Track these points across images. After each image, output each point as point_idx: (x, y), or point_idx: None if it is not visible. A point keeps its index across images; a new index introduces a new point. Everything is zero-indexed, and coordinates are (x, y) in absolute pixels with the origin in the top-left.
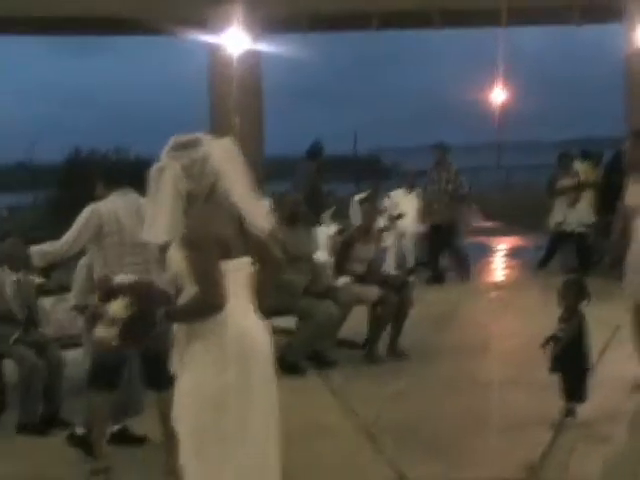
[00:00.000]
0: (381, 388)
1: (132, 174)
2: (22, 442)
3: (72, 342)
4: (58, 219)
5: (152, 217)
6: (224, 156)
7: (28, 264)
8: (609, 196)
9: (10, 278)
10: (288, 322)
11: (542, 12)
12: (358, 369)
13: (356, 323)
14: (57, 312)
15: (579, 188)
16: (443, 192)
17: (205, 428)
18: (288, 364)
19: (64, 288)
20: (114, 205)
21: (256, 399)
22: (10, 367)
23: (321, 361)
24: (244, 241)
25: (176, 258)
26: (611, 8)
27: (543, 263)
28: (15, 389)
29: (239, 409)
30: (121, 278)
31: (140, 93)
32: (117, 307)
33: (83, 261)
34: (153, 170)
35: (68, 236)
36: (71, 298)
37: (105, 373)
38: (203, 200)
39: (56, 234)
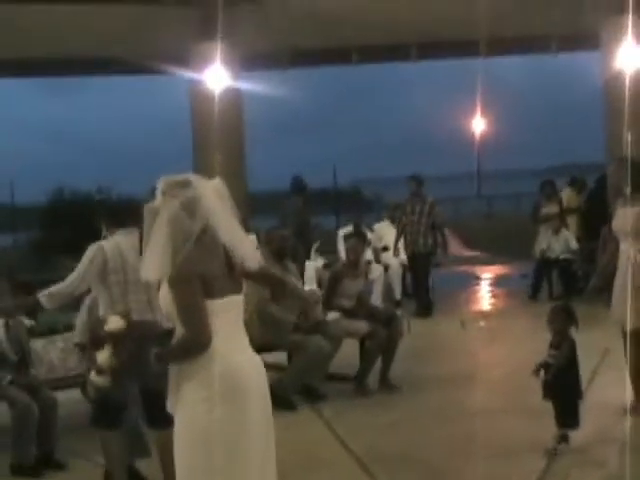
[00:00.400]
0: (373, 419)
1: (136, 213)
2: None
3: (63, 384)
4: (41, 260)
5: (147, 255)
6: (214, 196)
7: (14, 307)
8: (592, 222)
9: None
10: (277, 357)
11: (520, 42)
12: (349, 402)
13: (346, 357)
14: (48, 353)
15: (562, 215)
16: (417, 223)
17: (196, 466)
18: (279, 399)
19: (53, 330)
20: (118, 243)
21: (252, 435)
22: (2, 409)
23: (312, 395)
24: (233, 280)
25: (165, 297)
26: (588, 36)
27: (534, 292)
28: (7, 431)
29: (231, 446)
30: (113, 321)
31: (121, 131)
32: (103, 357)
33: (87, 301)
34: (148, 208)
35: (74, 275)
36: (74, 336)
37: (107, 412)
38: (194, 240)
39: (40, 275)
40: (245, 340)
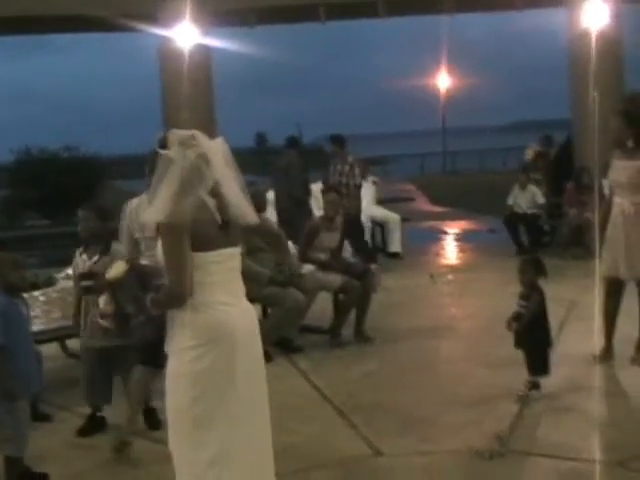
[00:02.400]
0: (348, 370)
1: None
2: None
3: (45, 337)
4: (8, 217)
5: (155, 200)
6: (219, 154)
7: None
8: (558, 178)
9: None
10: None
11: None
12: (324, 354)
13: (319, 309)
14: (32, 307)
15: (526, 171)
16: (339, 184)
17: (182, 411)
18: None
19: (34, 285)
20: (141, 199)
21: (238, 384)
22: None
23: (287, 347)
24: (228, 234)
25: (159, 246)
26: None
27: (521, 247)
28: None
29: (215, 395)
30: (114, 267)
31: (88, 90)
32: (103, 303)
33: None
34: (163, 156)
35: (122, 238)
36: None
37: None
38: (207, 191)
39: (7, 232)
40: (239, 291)
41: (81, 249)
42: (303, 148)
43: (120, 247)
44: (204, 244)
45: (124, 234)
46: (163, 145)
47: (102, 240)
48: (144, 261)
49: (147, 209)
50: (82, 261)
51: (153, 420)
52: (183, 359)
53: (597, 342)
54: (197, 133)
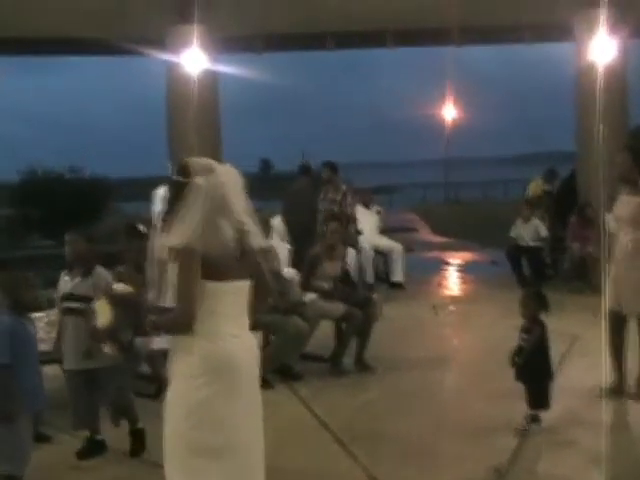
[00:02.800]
0: (349, 399)
1: None
2: None
3: (47, 358)
4: (12, 237)
5: (177, 223)
6: (232, 182)
7: None
8: (562, 212)
9: None
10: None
11: (493, 31)
12: (325, 382)
13: (320, 337)
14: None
15: (529, 204)
16: (329, 212)
17: (179, 437)
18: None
19: (37, 306)
20: None
21: (240, 414)
22: None
23: (288, 374)
24: (242, 265)
25: (173, 270)
26: (562, 27)
27: (523, 279)
28: None
29: (216, 424)
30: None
31: (95, 112)
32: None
33: None
34: (192, 186)
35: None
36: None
37: None
38: (225, 219)
39: (10, 252)
40: (244, 323)
41: (66, 271)
42: (315, 176)
43: (102, 270)
44: (220, 273)
45: (151, 256)
46: (184, 173)
47: (86, 263)
48: (118, 287)
49: (170, 233)
50: (64, 282)
51: (139, 443)
52: (187, 386)
53: (604, 376)
54: (212, 161)
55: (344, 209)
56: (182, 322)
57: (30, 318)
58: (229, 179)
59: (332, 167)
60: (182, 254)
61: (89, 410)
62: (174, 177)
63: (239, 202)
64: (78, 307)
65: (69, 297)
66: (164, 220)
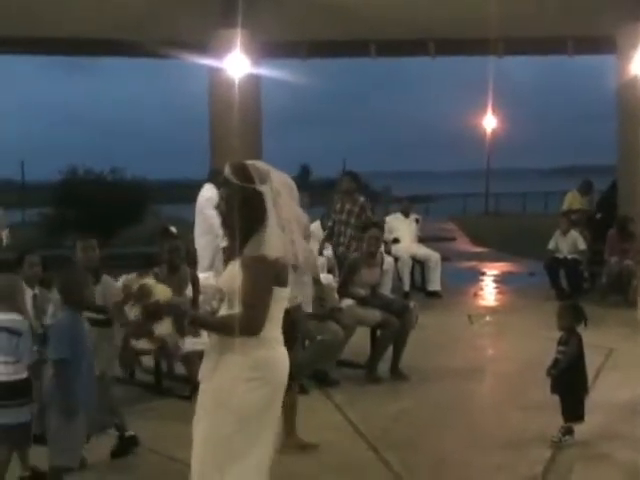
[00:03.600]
0: (383, 407)
1: None
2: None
3: None
4: (53, 236)
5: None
6: (287, 189)
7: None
8: (601, 225)
9: (29, 293)
10: None
11: (535, 42)
12: (360, 389)
13: (355, 344)
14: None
15: (567, 216)
16: (344, 223)
17: (223, 440)
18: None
19: None
20: None
21: (274, 423)
22: None
23: (323, 380)
24: (287, 271)
25: (235, 275)
26: (604, 39)
27: (561, 292)
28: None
29: (259, 428)
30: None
31: (138, 114)
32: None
33: None
34: (253, 193)
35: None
36: None
37: None
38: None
39: (49, 251)
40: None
41: None
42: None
43: (109, 279)
44: (281, 279)
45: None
46: (244, 177)
47: (97, 270)
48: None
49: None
50: None
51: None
52: (236, 389)
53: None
54: (268, 166)
55: (360, 222)
56: (253, 327)
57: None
58: (284, 186)
59: (353, 177)
60: (261, 263)
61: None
62: (233, 180)
63: (292, 210)
64: (91, 316)
65: None
66: (227, 226)
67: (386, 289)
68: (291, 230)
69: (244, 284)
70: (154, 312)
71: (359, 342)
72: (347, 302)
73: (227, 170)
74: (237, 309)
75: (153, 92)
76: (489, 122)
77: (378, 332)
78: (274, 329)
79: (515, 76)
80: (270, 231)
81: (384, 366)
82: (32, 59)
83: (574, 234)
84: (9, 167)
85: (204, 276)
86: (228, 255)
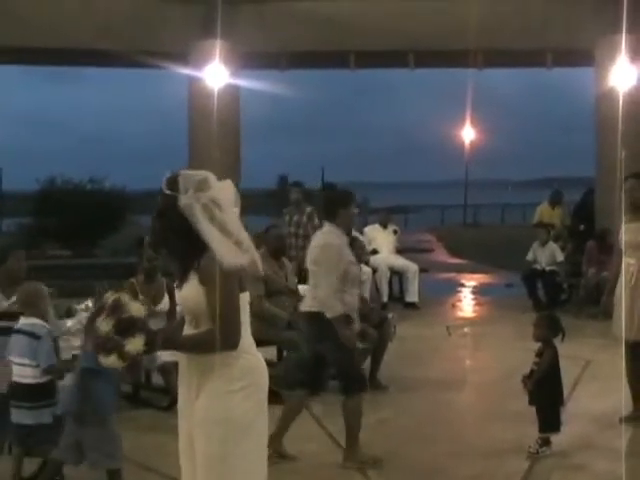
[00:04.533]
0: (362, 418)
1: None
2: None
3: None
4: (32, 246)
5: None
6: (227, 198)
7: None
8: (578, 236)
9: (3, 304)
10: (268, 353)
11: (514, 54)
12: (339, 399)
13: None
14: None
15: (538, 228)
16: (294, 235)
17: (232, 458)
18: (270, 393)
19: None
20: None
21: (263, 427)
22: None
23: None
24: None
25: (196, 292)
26: (582, 52)
27: (538, 303)
28: None
29: (261, 436)
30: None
31: (116, 123)
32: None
33: None
34: (183, 204)
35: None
36: None
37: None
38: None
39: (28, 261)
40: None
41: None
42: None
43: None
44: (242, 285)
45: None
46: (173, 188)
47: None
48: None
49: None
50: None
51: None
52: (231, 402)
53: (623, 403)
54: (210, 175)
55: (309, 231)
56: (233, 340)
57: None
58: (224, 195)
59: (299, 187)
60: (227, 274)
61: None
62: (163, 189)
63: (233, 218)
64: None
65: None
66: (158, 238)
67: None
68: (241, 238)
69: (212, 299)
70: (127, 328)
71: None
72: None
73: (163, 181)
74: (203, 327)
75: (135, 101)
76: (468, 133)
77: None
78: (247, 335)
79: (494, 88)
80: (218, 241)
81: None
82: (13, 68)
83: (552, 245)
84: None
85: None
86: (179, 275)
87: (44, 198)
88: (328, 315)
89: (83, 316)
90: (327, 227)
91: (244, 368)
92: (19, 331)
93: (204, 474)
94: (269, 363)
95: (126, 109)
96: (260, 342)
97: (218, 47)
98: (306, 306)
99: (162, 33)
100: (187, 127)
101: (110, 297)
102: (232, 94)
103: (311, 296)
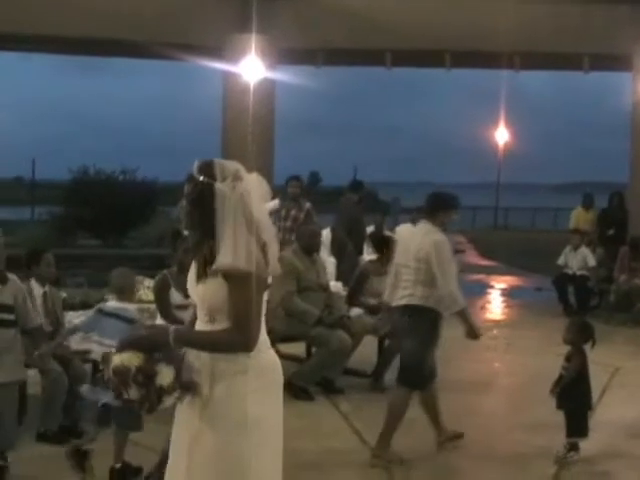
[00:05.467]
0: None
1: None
2: (40, 449)
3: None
4: (63, 234)
5: (225, 242)
6: (258, 193)
7: (56, 278)
8: (611, 241)
9: (39, 291)
10: (296, 349)
11: (551, 57)
12: (365, 397)
13: (362, 353)
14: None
15: (575, 232)
16: (289, 230)
17: (245, 461)
18: (298, 389)
19: (85, 304)
20: None
21: (279, 425)
22: (34, 378)
23: (329, 388)
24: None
25: (217, 289)
26: (620, 57)
27: (569, 308)
28: (35, 399)
29: (277, 436)
30: None
31: (151, 117)
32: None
33: None
34: (219, 193)
35: None
36: None
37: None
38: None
39: (59, 249)
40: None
41: None
42: (366, 193)
43: (16, 278)
44: (262, 285)
45: None
46: (209, 174)
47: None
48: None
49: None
50: None
51: None
52: (244, 404)
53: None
54: (241, 166)
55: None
56: (249, 343)
57: None
58: (255, 189)
59: (299, 182)
60: (245, 276)
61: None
62: (195, 176)
63: (263, 216)
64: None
65: None
66: (190, 226)
67: None
68: (261, 232)
69: (234, 298)
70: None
71: (366, 351)
72: (356, 311)
73: (194, 165)
74: (219, 325)
75: (167, 95)
76: (501, 135)
77: (386, 342)
78: (264, 334)
79: (529, 90)
80: (239, 237)
81: (391, 376)
82: (46, 58)
83: (584, 250)
84: (20, 165)
85: None
86: (200, 260)
87: (77, 188)
88: (453, 310)
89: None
90: (425, 225)
91: (259, 368)
92: (113, 315)
93: (217, 476)
94: (298, 359)
95: (158, 102)
96: (290, 338)
97: (254, 41)
98: (403, 301)
99: (197, 26)
100: (220, 121)
101: (122, 362)
102: (267, 89)
103: (406, 292)
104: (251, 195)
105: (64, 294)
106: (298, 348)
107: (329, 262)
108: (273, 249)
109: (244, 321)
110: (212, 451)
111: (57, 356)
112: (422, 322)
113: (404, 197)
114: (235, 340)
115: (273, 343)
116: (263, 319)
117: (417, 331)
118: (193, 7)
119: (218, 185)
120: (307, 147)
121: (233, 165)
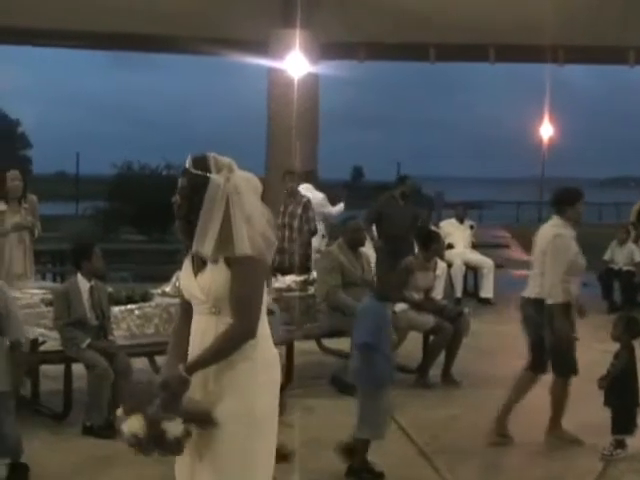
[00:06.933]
0: (434, 413)
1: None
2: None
3: (139, 351)
4: (107, 229)
5: (202, 231)
6: (250, 189)
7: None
8: None
9: (85, 285)
10: (341, 344)
11: (595, 51)
12: (410, 393)
13: (407, 349)
14: (125, 320)
15: (627, 227)
16: (288, 227)
17: (259, 456)
18: (343, 384)
19: (130, 299)
20: None
21: (276, 422)
22: (80, 371)
23: None
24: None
25: (218, 278)
26: None
27: (613, 304)
28: (80, 392)
29: (272, 429)
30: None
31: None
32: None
33: None
34: (213, 184)
35: None
36: None
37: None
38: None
39: (103, 244)
40: None
41: None
42: (410, 187)
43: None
44: (265, 276)
45: None
46: (204, 167)
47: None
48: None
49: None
50: None
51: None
52: (254, 396)
53: None
54: (233, 162)
55: (303, 224)
56: (251, 329)
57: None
58: (246, 181)
59: (294, 175)
60: (251, 263)
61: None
62: (190, 169)
63: (256, 207)
64: None
65: None
66: (181, 218)
67: (438, 294)
68: (256, 223)
69: (237, 286)
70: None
71: (411, 347)
72: (400, 306)
73: (188, 159)
74: (225, 317)
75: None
76: (546, 130)
77: (431, 337)
78: (264, 326)
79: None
80: (238, 226)
81: (435, 372)
82: (92, 54)
83: (631, 246)
84: (63, 159)
85: None
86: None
87: (121, 183)
88: (549, 302)
89: (159, 301)
90: (555, 220)
91: (265, 361)
92: None
93: (225, 472)
94: (343, 354)
95: (201, 97)
96: (335, 333)
97: (298, 36)
98: (532, 293)
99: (241, 21)
100: (265, 116)
101: (130, 431)
102: (312, 83)
103: (536, 283)
104: (241, 188)
105: (110, 289)
106: (343, 343)
107: (372, 255)
108: (267, 239)
109: (248, 307)
110: (225, 447)
111: (102, 350)
112: (555, 313)
113: (448, 192)
114: (239, 331)
115: (318, 338)
116: (264, 308)
117: (554, 323)
118: (238, 3)
119: (213, 177)
120: (351, 141)
121: (226, 159)
